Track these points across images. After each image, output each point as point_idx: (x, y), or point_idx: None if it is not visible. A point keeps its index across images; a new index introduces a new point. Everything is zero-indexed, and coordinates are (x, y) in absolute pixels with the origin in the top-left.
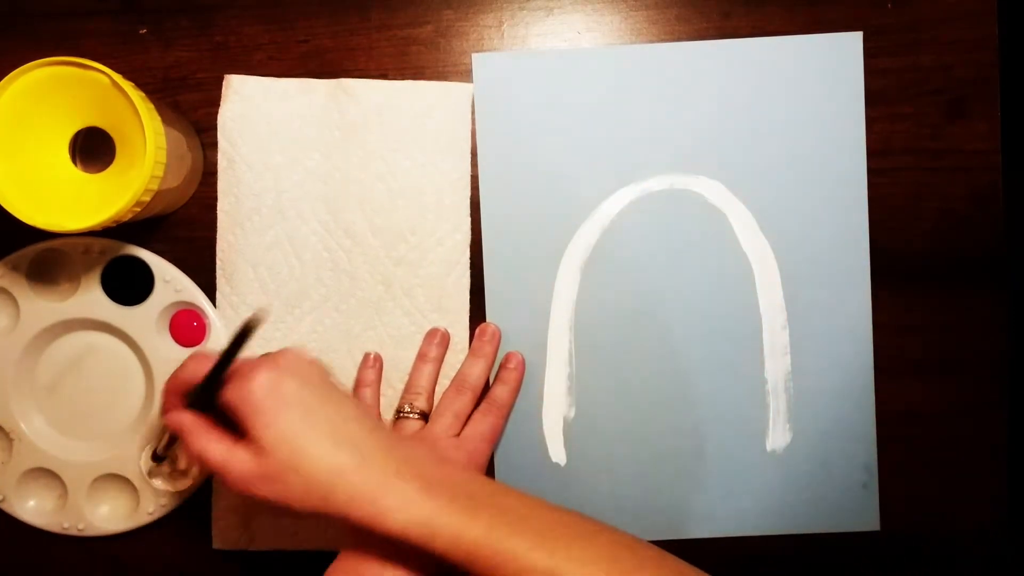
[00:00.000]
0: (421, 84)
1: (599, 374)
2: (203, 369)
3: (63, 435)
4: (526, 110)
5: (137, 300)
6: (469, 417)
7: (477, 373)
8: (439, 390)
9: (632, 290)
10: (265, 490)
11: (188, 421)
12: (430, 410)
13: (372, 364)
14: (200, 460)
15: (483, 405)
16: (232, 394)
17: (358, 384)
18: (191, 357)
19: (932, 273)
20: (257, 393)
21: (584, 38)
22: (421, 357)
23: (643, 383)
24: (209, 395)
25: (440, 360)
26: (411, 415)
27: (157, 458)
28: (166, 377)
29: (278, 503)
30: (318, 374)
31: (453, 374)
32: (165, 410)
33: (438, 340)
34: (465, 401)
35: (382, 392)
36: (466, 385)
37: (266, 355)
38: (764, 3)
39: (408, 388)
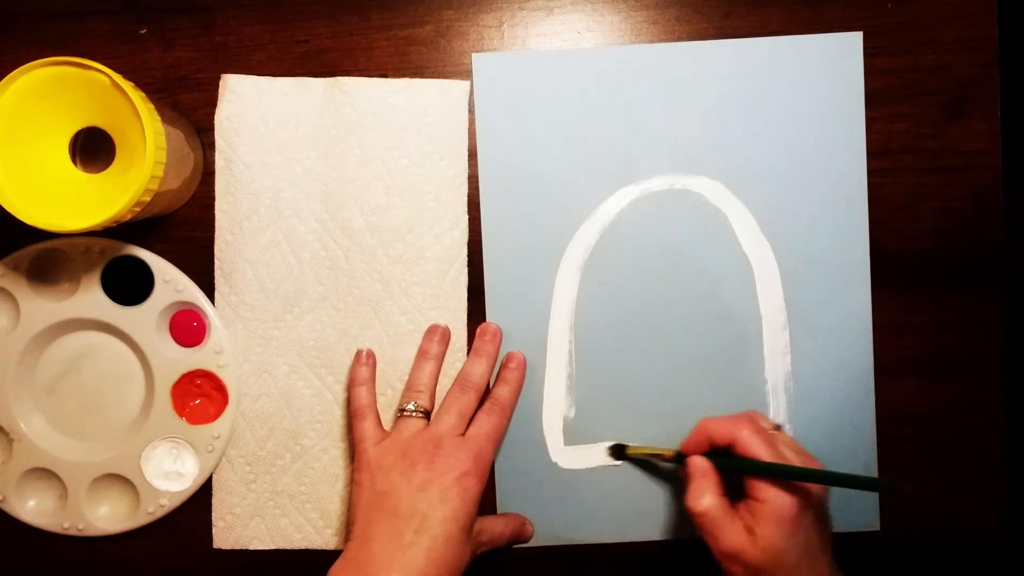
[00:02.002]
0: (417, 82)
1: (599, 374)
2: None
3: (63, 435)
4: (526, 110)
5: (137, 300)
6: (472, 417)
7: (480, 372)
8: (439, 390)
9: (632, 290)
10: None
11: (710, 470)
12: (432, 408)
13: (365, 361)
14: (696, 508)
15: (487, 405)
16: (769, 493)
17: (352, 382)
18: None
19: (932, 273)
20: (788, 510)
21: (584, 38)
22: (422, 354)
23: (643, 383)
24: (744, 471)
25: (441, 357)
26: (415, 413)
27: (621, 455)
28: (166, 377)
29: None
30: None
31: (452, 373)
32: (691, 447)
33: (439, 337)
34: (469, 400)
35: (381, 392)
36: (470, 384)
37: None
38: (764, 3)
39: (410, 386)
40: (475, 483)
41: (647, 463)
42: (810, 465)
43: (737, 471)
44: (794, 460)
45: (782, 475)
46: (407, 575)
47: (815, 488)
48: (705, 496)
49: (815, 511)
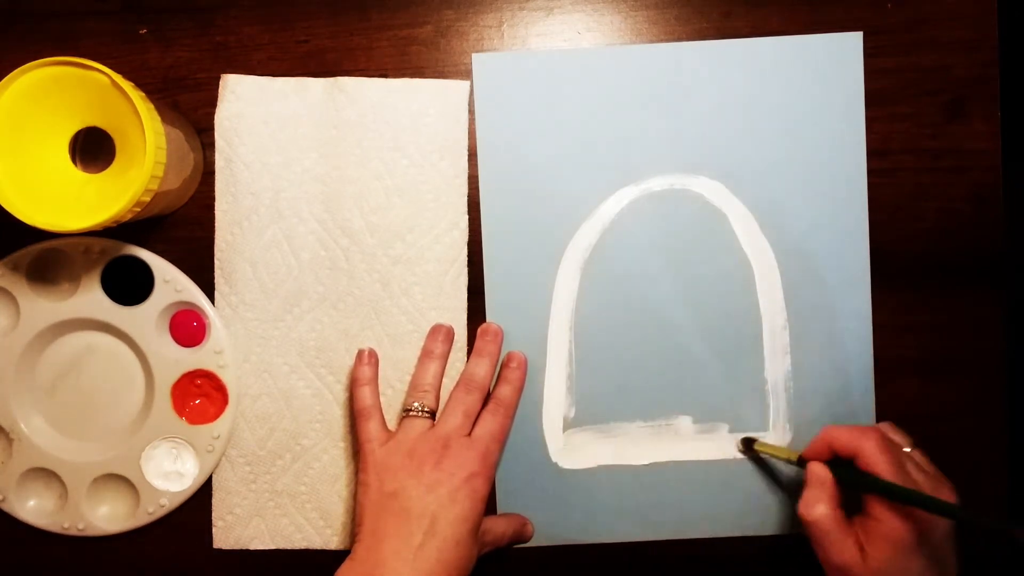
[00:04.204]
0: (417, 82)
1: (599, 374)
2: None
3: (63, 435)
4: (526, 110)
5: (137, 300)
6: (477, 417)
7: (483, 372)
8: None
9: (632, 290)
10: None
11: (828, 480)
12: (437, 408)
13: (368, 360)
14: (807, 516)
15: (490, 405)
16: (885, 514)
17: (355, 383)
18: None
19: (932, 273)
20: (903, 535)
21: (584, 38)
22: (427, 354)
23: (643, 383)
24: (866, 488)
25: (445, 357)
26: (421, 413)
27: (748, 448)
28: (166, 377)
29: None
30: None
31: (452, 373)
32: (812, 452)
33: (443, 336)
34: (474, 400)
35: (382, 392)
36: (474, 384)
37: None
38: (764, 3)
39: (415, 386)
40: (483, 484)
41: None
42: (941, 491)
43: (852, 486)
44: (922, 483)
45: (898, 498)
46: None
47: (938, 518)
48: (819, 505)
49: (935, 542)
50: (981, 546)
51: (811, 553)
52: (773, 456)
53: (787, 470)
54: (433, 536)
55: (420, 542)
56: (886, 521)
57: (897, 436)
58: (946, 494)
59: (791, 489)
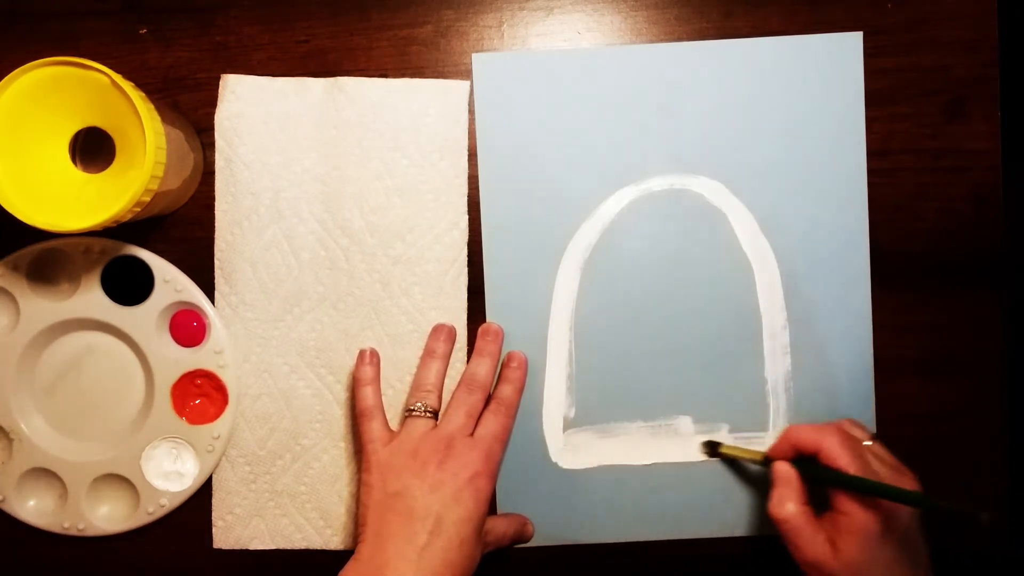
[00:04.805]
0: (417, 82)
1: (599, 374)
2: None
3: (63, 435)
4: (526, 110)
5: (137, 300)
6: (479, 417)
7: (484, 372)
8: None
9: (632, 290)
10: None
11: (793, 477)
12: (440, 408)
13: (370, 360)
14: (778, 515)
15: (492, 405)
16: (852, 506)
17: (358, 383)
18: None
19: (932, 273)
20: (870, 526)
21: (584, 38)
22: (429, 354)
23: (643, 383)
24: (830, 483)
25: (448, 357)
26: (424, 413)
27: (714, 451)
28: (166, 377)
29: None
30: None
31: (452, 373)
32: (777, 451)
33: (445, 336)
34: (476, 400)
35: (382, 392)
36: (476, 384)
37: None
38: (764, 3)
39: (417, 386)
40: (487, 484)
41: (669, 464)
42: (903, 481)
43: (818, 482)
44: (884, 475)
45: (861, 490)
46: None
47: (903, 507)
48: (788, 504)
49: (902, 530)
50: (951, 534)
51: None
52: (739, 457)
53: None
54: (437, 536)
55: (424, 542)
56: (853, 514)
57: (856, 431)
58: (908, 483)
59: None
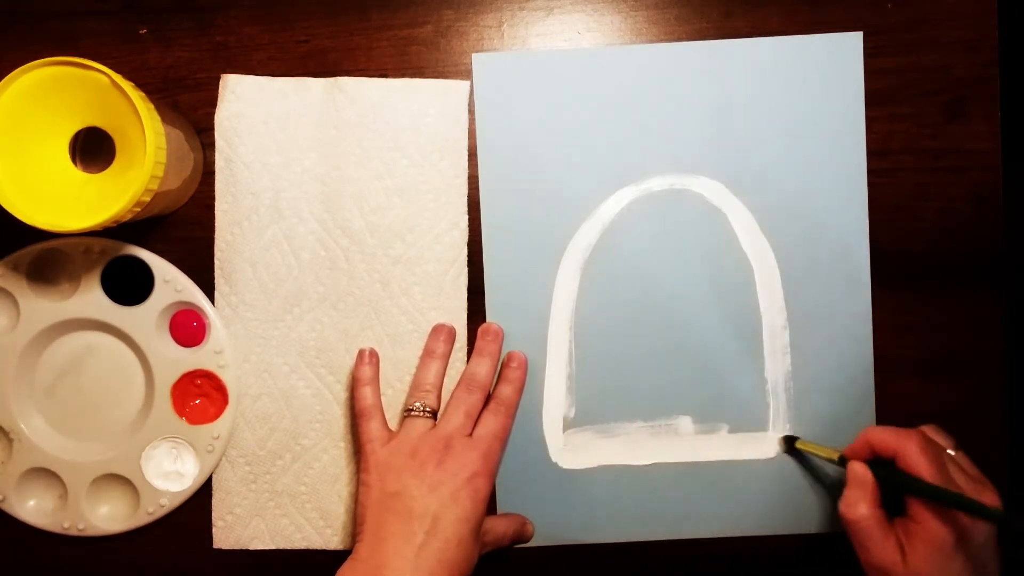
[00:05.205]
0: (417, 82)
1: (599, 374)
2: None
3: (63, 435)
4: (526, 110)
5: (137, 300)
6: (479, 417)
7: (484, 372)
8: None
9: (632, 290)
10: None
11: (869, 480)
12: (439, 408)
13: (369, 360)
14: (849, 516)
15: (492, 405)
16: (925, 515)
17: (357, 383)
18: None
19: (932, 273)
20: (942, 537)
21: (584, 38)
22: (429, 353)
23: (643, 383)
24: (909, 491)
25: (447, 357)
26: (423, 413)
27: (790, 447)
28: (166, 377)
29: None
30: None
31: (452, 373)
32: (853, 452)
33: (444, 336)
34: (476, 400)
35: (382, 392)
36: (475, 384)
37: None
38: (764, 3)
39: (416, 385)
40: (485, 484)
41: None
42: (984, 495)
43: (894, 487)
44: (964, 486)
45: (939, 500)
46: None
47: (980, 521)
48: (860, 505)
49: (976, 545)
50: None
51: (812, 552)
52: (813, 454)
53: (788, 470)
54: (435, 536)
55: (422, 542)
56: (927, 523)
57: (940, 438)
58: (989, 498)
59: (791, 490)
